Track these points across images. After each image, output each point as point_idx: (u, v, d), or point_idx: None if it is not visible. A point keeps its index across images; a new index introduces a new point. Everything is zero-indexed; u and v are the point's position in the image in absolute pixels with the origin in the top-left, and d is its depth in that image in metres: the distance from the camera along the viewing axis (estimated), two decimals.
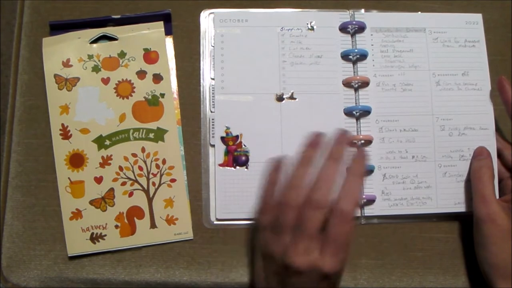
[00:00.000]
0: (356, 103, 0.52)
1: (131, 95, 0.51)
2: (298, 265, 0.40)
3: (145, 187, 0.50)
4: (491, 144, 0.51)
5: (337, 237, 0.40)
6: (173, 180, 0.51)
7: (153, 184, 0.50)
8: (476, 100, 0.52)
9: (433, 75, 0.52)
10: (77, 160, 0.50)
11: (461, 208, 0.51)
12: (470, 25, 0.53)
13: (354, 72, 0.53)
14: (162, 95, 0.52)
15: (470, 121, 0.52)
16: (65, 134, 0.51)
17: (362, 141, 0.51)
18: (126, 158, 0.51)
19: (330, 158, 0.43)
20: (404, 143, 0.52)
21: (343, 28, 0.53)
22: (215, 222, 0.51)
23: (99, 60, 0.52)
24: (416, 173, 0.51)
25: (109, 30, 0.52)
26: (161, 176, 0.51)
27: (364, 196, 0.51)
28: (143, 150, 0.51)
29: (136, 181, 0.50)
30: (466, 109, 0.52)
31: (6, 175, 0.51)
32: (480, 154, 0.50)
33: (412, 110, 0.52)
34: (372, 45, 0.53)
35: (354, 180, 0.42)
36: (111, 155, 0.51)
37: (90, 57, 0.52)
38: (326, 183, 0.41)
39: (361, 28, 0.53)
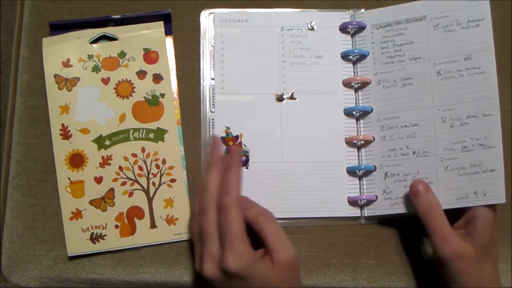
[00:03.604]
0: (356, 103, 0.52)
1: (131, 95, 0.51)
2: (208, 273, 0.41)
3: (145, 187, 0.50)
4: (496, 131, 0.48)
5: (226, 229, 0.41)
6: (173, 180, 0.51)
7: (153, 184, 0.50)
8: (479, 85, 0.49)
9: (433, 64, 0.50)
10: (77, 160, 0.50)
11: (464, 203, 0.48)
12: (475, 2, 0.50)
13: (354, 72, 0.53)
14: (162, 95, 0.52)
15: (473, 109, 0.48)
16: (65, 134, 0.51)
17: (362, 142, 0.51)
18: (126, 158, 0.51)
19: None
20: (405, 139, 0.50)
21: (343, 28, 0.53)
22: None
23: (99, 60, 0.52)
24: (417, 170, 0.50)
25: (109, 30, 0.52)
26: (161, 176, 0.51)
27: (364, 197, 0.51)
28: (143, 150, 0.51)
29: (136, 181, 0.50)
30: (468, 96, 0.49)
31: (6, 175, 0.51)
32: (417, 190, 0.47)
33: (412, 104, 0.50)
34: (372, 43, 0.52)
35: (228, 173, 0.44)
36: (111, 155, 0.51)
37: (90, 57, 0.52)
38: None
39: (361, 27, 0.53)
